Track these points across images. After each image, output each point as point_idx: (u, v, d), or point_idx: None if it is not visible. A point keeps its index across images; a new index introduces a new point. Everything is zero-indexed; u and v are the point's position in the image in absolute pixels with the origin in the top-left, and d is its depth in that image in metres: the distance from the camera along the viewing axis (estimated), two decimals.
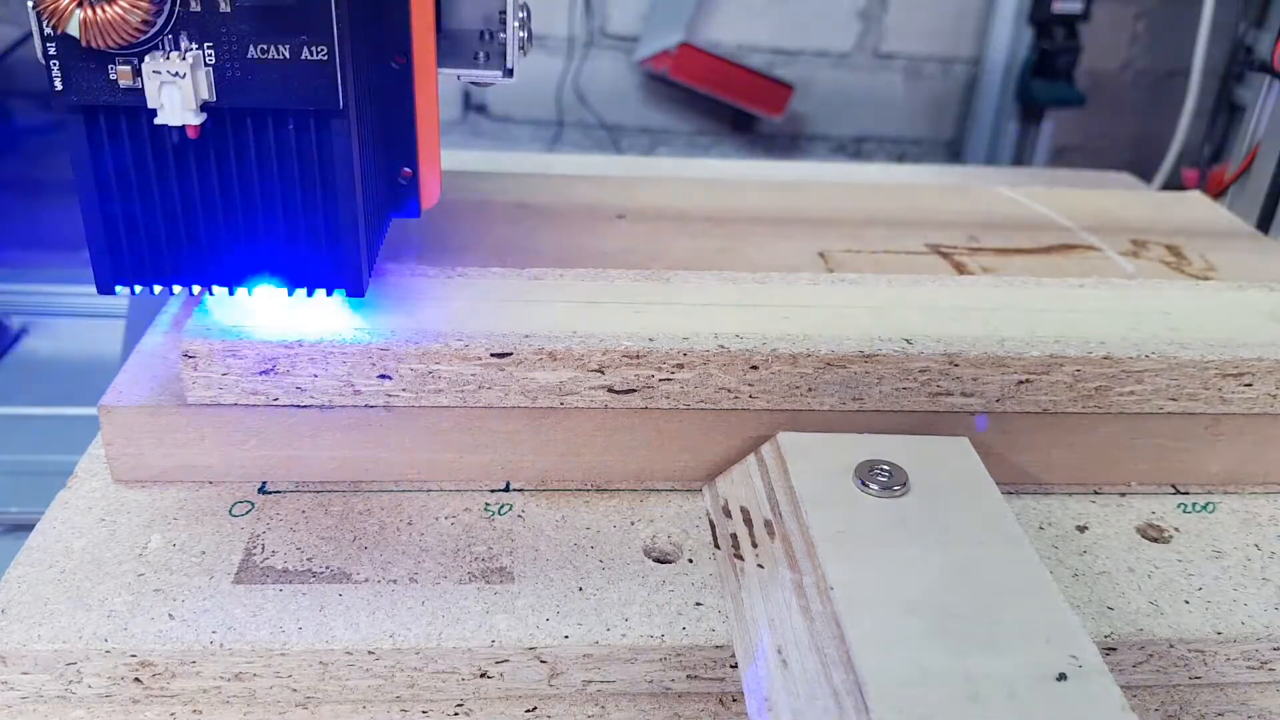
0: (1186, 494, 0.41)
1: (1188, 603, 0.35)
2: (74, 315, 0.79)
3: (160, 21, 0.31)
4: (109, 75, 0.31)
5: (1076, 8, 1.19)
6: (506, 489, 0.39)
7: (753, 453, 0.39)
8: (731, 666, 0.33)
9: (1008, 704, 0.26)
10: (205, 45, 0.31)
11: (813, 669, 0.29)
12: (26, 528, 0.36)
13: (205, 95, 0.31)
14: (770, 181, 0.64)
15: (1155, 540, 0.38)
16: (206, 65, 0.31)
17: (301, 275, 0.35)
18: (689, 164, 0.78)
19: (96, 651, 0.31)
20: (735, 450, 0.39)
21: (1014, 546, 0.33)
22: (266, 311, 0.37)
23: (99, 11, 0.30)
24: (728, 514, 0.37)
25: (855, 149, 1.38)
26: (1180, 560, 0.37)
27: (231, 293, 0.35)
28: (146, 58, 0.31)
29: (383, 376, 0.36)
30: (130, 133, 0.33)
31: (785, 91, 1.33)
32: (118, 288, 0.35)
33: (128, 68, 0.31)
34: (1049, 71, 1.21)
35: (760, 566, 0.34)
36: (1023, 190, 0.64)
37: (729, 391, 0.37)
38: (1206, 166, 1.18)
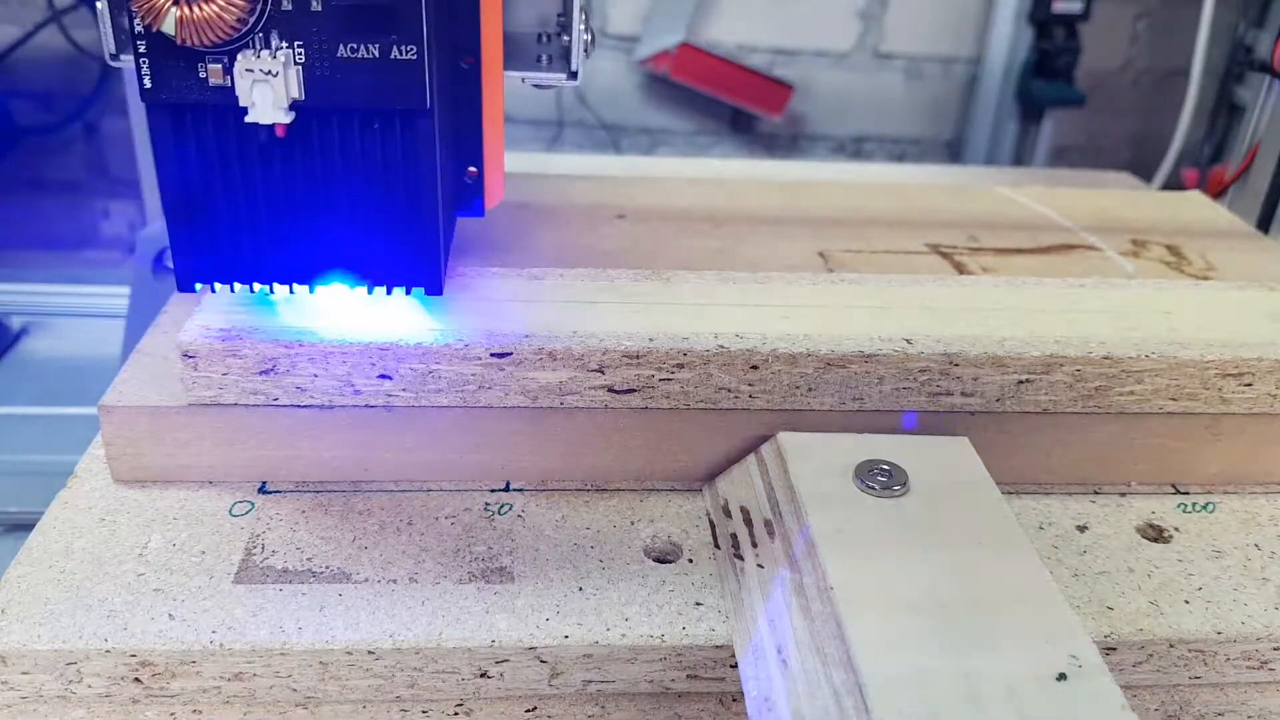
0: (1186, 494, 0.41)
1: (1188, 603, 0.35)
2: (74, 315, 0.79)
3: (253, 20, 0.31)
4: (198, 74, 0.31)
5: (1076, 8, 1.19)
6: (506, 489, 0.39)
7: (753, 453, 0.39)
8: (731, 666, 0.33)
9: (1008, 704, 0.26)
10: (295, 44, 0.31)
11: (813, 669, 0.29)
12: (26, 528, 0.36)
13: (295, 94, 0.31)
14: (770, 181, 0.64)
15: (1155, 540, 0.38)
16: (296, 64, 0.31)
17: (381, 274, 0.35)
18: (689, 164, 0.78)
19: (96, 651, 0.31)
20: (735, 450, 0.39)
21: (1014, 546, 0.33)
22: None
23: (195, 9, 0.30)
24: (728, 514, 0.37)
25: (855, 149, 1.38)
26: (1180, 560, 0.37)
27: (311, 291, 0.36)
28: (239, 56, 0.31)
29: (383, 376, 0.36)
30: (217, 131, 0.33)
31: (785, 91, 1.33)
32: (197, 285, 0.35)
33: (218, 66, 0.31)
34: (1049, 71, 1.21)
35: (760, 566, 0.34)
36: (1023, 190, 0.64)
37: (729, 391, 0.37)
38: (1206, 166, 1.18)
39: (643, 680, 0.33)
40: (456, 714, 0.32)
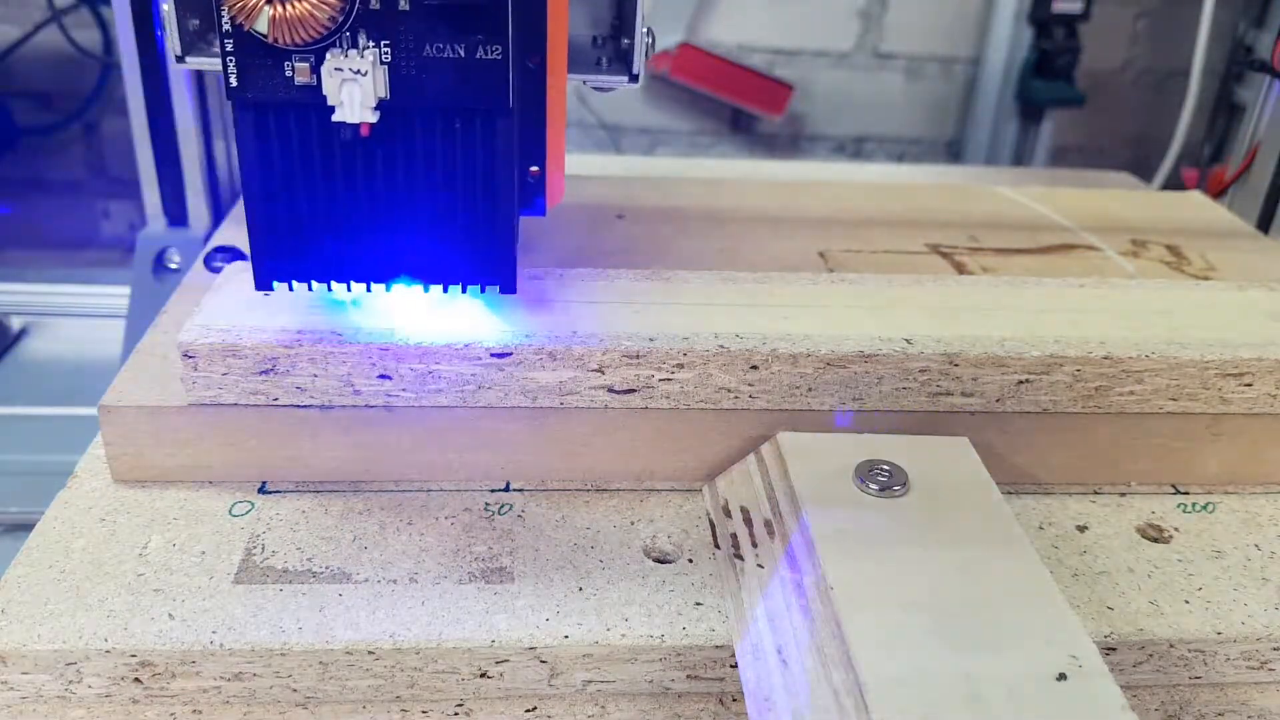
0: (1186, 494, 0.41)
1: (1188, 603, 0.35)
2: (74, 315, 0.79)
3: (342, 19, 0.31)
4: (285, 72, 0.32)
5: (1076, 8, 1.19)
6: (506, 489, 0.39)
7: (753, 453, 0.39)
8: (731, 666, 0.33)
9: (1008, 704, 0.26)
10: (382, 43, 0.31)
11: (813, 669, 0.29)
12: (26, 528, 0.36)
13: (381, 93, 0.32)
14: (770, 181, 0.64)
15: (1155, 540, 0.38)
16: (382, 64, 0.31)
17: (456, 272, 0.35)
18: (689, 164, 0.78)
19: (96, 651, 0.31)
20: (735, 450, 0.39)
21: (1014, 546, 0.33)
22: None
23: (288, 7, 0.30)
24: (728, 514, 0.37)
25: (855, 149, 1.38)
26: (1180, 560, 0.37)
27: (387, 289, 0.36)
28: (328, 55, 0.31)
29: (383, 376, 0.36)
30: (300, 129, 0.33)
31: (785, 91, 1.33)
32: (275, 283, 0.35)
33: (305, 65, 0.31)
34: (1049, 71, 1.21)
35: (760, 566, 0.34)
36: (1023, 190, 0.64)
37: (729, 391, 0.37)
38: (1206, 166, 1.18)
39: (643, 680, 0.33)
40: (456, 714, 0.32)
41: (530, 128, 0.37)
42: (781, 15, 1.31)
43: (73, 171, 1.26)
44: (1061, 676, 0.27)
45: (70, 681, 0.31)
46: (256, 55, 0.31)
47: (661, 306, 0.40)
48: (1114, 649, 0.34)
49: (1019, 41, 1.24)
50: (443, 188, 0.34)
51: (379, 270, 0.35)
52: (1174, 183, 0.98)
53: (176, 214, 0.64)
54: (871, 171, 0.81)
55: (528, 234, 0.52)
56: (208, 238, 0.57)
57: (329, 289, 0.36)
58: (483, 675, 0.32)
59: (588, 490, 0.39)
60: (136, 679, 0.31)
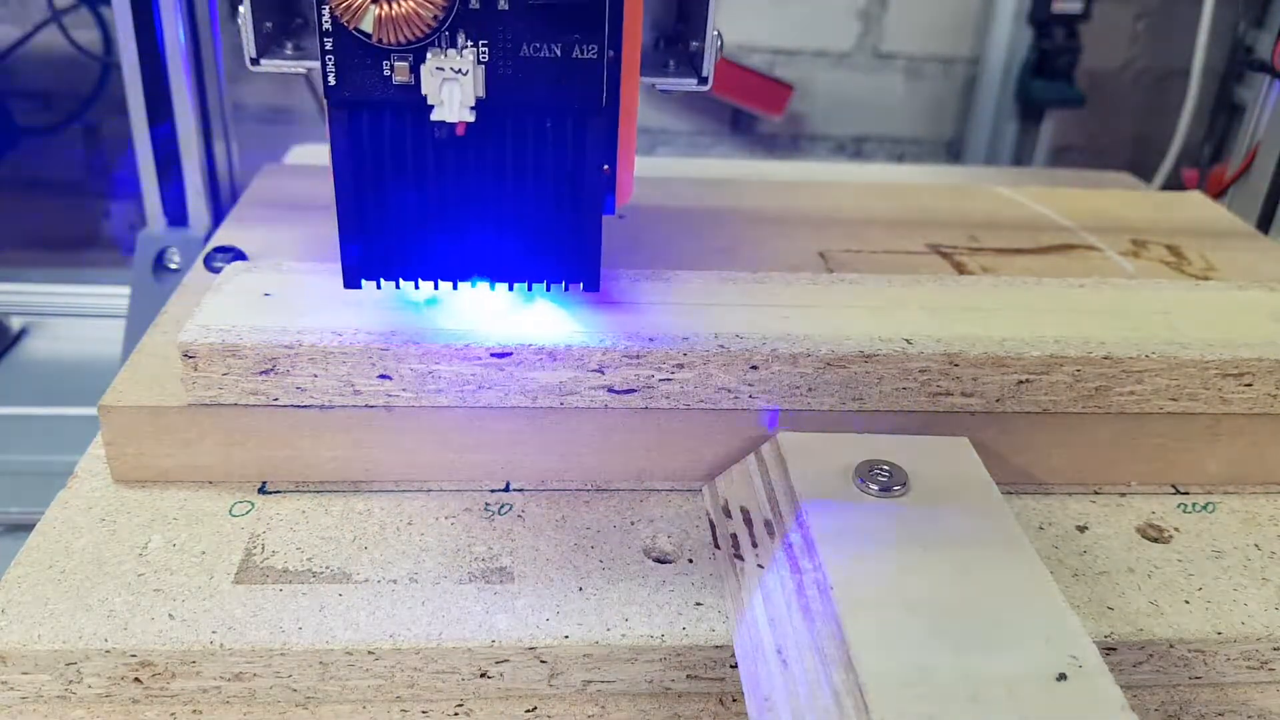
0: (1186, 494, 0.41)
1: (1188, 603, 0.35)
2: (74, 315, 0.79)
3: (444, 18, 0.31)
4: (383, 71, 0.32)
5: (1076, 8, 1.18)
6: (506, 489, 0.39)
7: (753, 453, 0.39)
8: (731, 666, 0.33)
9: (1008, 704, 0.26)
10: (480, 42, 0.32)
11: (813, 669, 0.29)
12: (26, 528, 0.36)
13: (479, 92, 0.32)
14: (770, 181, 0.64)
15: (1155, 540, 0.38)
16: (480, 63, 0.32)
17: (543, 270, 0.36)
18: (689, 164, 0.78)
19: (96, 651, 0.31)
20: (735, 450, 0.39)
21: (1014, 546, 0.33)
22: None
23: (394, 6, 0.30)
24: (728, 514, 0.37)
25: (855, 149, 1.38)
26: (1180, 560, 0.37)
27: (473, 287, 0.36)
28: (429, 54, 0.31)
29: (383, 376, 0.36)
30: (394, 129, 0.33)
31: (785, 91, 1.33)
32: (363, 281, 0.36)
33: (404, 64, 0.32)
34: (1049, 71, 1.21)
35: (760, 566, 0.34)
36: (1023, 190, 0.64)
37: (729, 391, 0.37)
38: (1206, 166, 1.18)
39: (643, 680, 0.33)
40: (456, 714, 0.32)
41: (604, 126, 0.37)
42: (781, 15, 1.31)
43: (73, 171, 1.26)
44: (1061, 676, 0.27)
45: (70, 681, 0.31)
46: (355, 54, 0.32)
47: (661, 306, 0.40)
48: (1114, 649, 0.34)
49: (1019, 41, 1.24)
50: (533, 186, 0.34)
51: (465, 268, 0.36)
52: (1174, 183, 0.98)
53: (176, 214, 0.64)
54: (871, 171, 0.81)
55: None
56: (208, 238, 0.57)
57: (416, 287, 0.36)
58: (483, 675, 0.32)
59: (588, 490, 0.39)
60: (136, 679, 0.31)
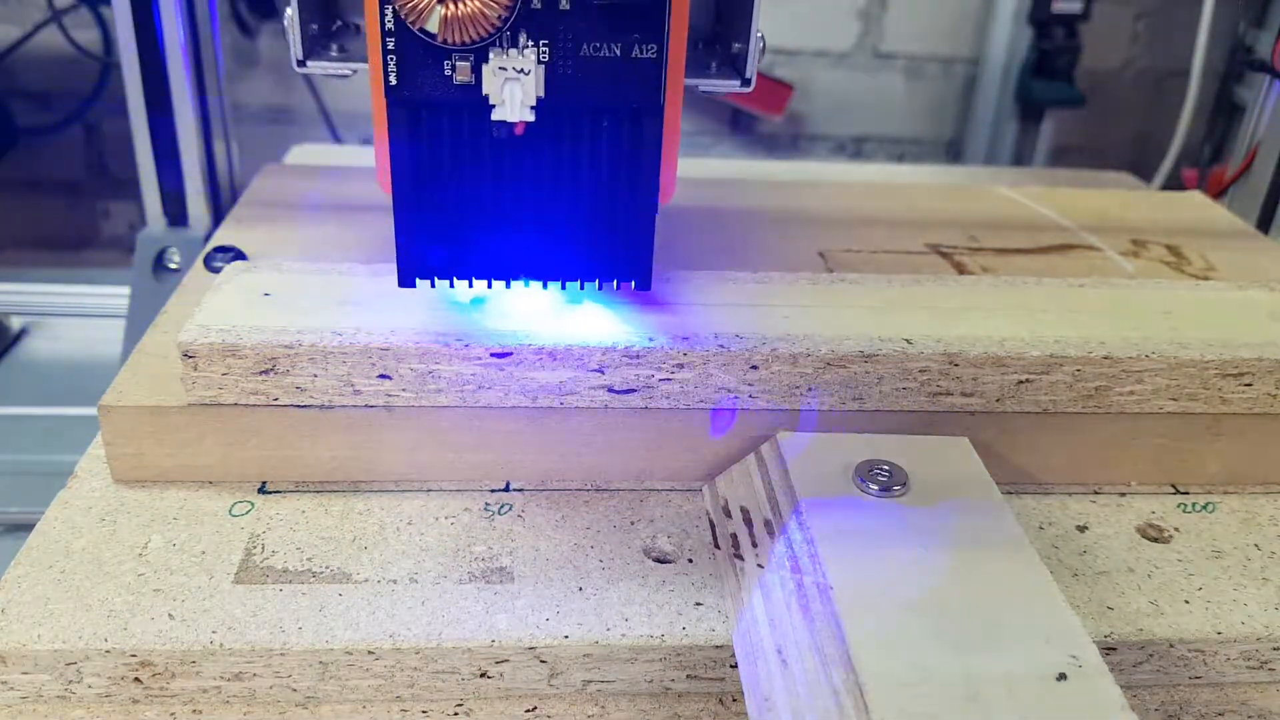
0: (1186, 494, 0.41)
1: (1188, 603, 0.35)
2: (74, 315, 0.79)
3: (508, 18, 0.31)
4: (444, 71, 0.32)
5: (1076, 8, 1.19)
6: (506, 489, 0.39)
7: (753, 453, 0.39)
8: (731, 666, 0.33)
9: (1008, 704, 0.26)
10: (541, 42, 0.32)
11: (813, 669, 0.29)
12: (26, 528, 0.36)
13: (540, 92, 0.32)
14: (770, 181, 0.64)
15: (1155, 540, 0.38)
16: (540, 62, 0.32)
17: (595, 269, 0.36)
18: (689, 164, 0.78)
19: (96, 651, 0.31)
20: (735, 450, 0.39)
21: (1014, 546, 0.33)
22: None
23: (460, 6, 0.31)
24: (728, 514, 0.37)
25: (855, 149, 1.38)
26: (1180, 560, 0.37)
27: (526, 285, 0.37)
28: (491, 54, 0.32)
29: (383, 376, 0.36)
30: (452, 128, 0.33)
31: (785, 91, 1.33)
32: (418, 280, 0.36)
33: (466, 64, 0.32)
34: (1049, 71, 1.21)
35: (760, 566, 0.34)
36: (1023, 190, 0.64)
37: (729, 391, 0.37)
38: (1206, 166, 1.18)
39: (642, 680, 0.33)
40: (456, 714, 0.32)
41: None
42: (781, 15, 1.31)
43: (73, 171, 1.26)
44: (1061, 676, 0.27)
45: (70, 681, 0.31)
46: (417, 54, 0.32)
47: (661, 306, 0.40)
48: (1114, 649, 0.34)
49: (1019, 41, 1.24)
50: (588, 185, 0.35)
51: (518, 267, 0.36)
52: (1174, 183, 0.98)
53: (176, 214, 0.64)
54: (871, 171, 0.81)
55: None
56: (208, 238, 0.57)
57: (470, 286, 0.36)
58: (483, 675, 0.32)
59: (588, 490, 0.39)
60: (136, 679, 0.31)
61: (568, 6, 0.32)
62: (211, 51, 0.62)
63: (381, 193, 0.35)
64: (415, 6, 0.31)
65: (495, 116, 0.32)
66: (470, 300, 0.39)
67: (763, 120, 1.38)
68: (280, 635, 0.31)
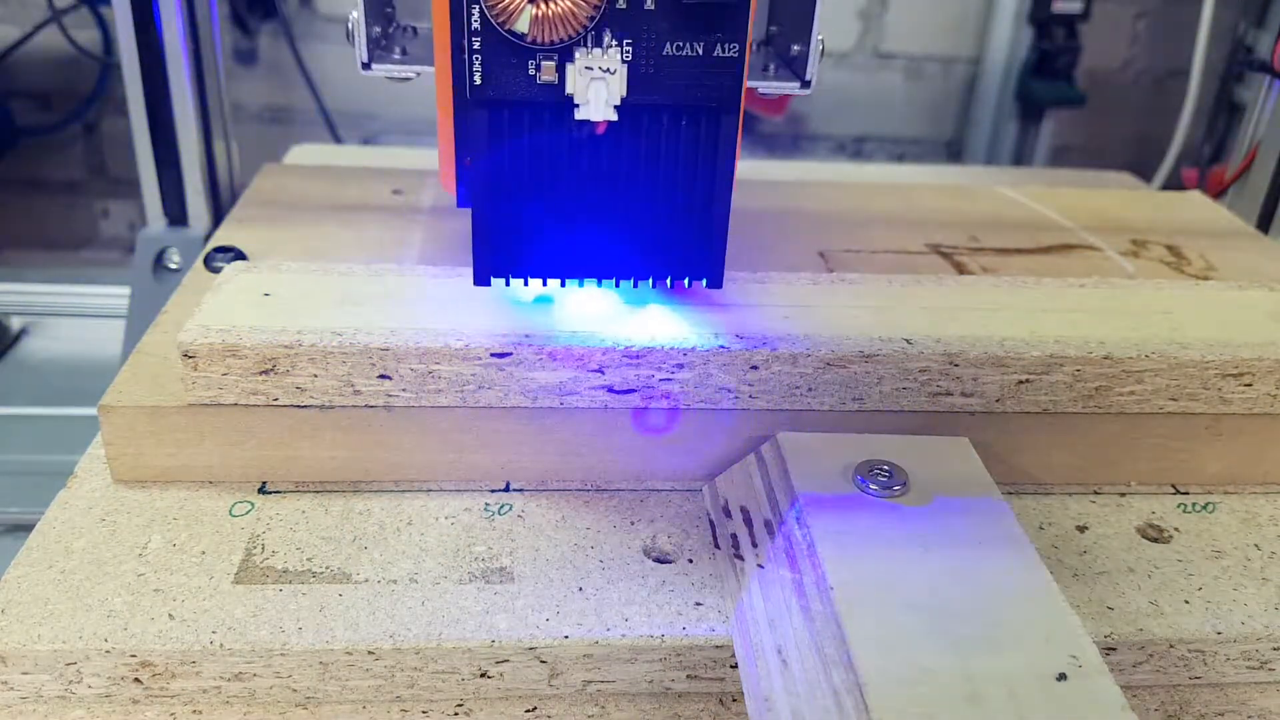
0: (1186, 494, 0.41)
1: (1188, 603, 0.35)
2: (74, 315, 0.79)
3: (596, 17, 0.32)
4: (528, 71, 0.32)
5: (1076, 8, 1.18)
6: (506, 489, 0.39)
7: (753, 453, 0.39)
8: (731, 666, 0.33)
9: (1008, 704, 0.26)
10: (624, 42, 0.32)
11: (813, 669, 0.29)
12: (26, 528, 0.36)
13: (623, 91, 0.32)
14: (770, 181, 0.64)
15: (1155, 540, 0.38)
16: (624, 62, 0.32)
17: (668, 267, 0.36)
18: None
19: (96, 651, 0.31)
20: (735, 450, 0.39)
21: (1014, 546, 0.33)
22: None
23: (551, 6, 0.31)
24: (728, 514, 0.37)
25: (855, 149, 1.38)
26: (1180, 560, 0.37)
27: (599, 284, 0.37)
28: (577, 53, 0.32)
29: (383, 376, 0.36)
30: (533, 127, 0.34)
31: None
32: (492, 279, 0.36)
33: (551, 63, 0.32)
34: (1049, 71, 1.21)
35: (760, 566, 0.34)
36: (1023, 190, 0.64)
37: (729, 391, 0.37)
38: (1206, 166, 1.18)
39: (643, 680, 0.33)
40: (456, 714, 0.32)
41: None
42: None
43: (73, 171, 1.26)
44: (1061, 676, 0.27)
45: (70, 682, 0.31)
46: (502, 54, 0.32)
47: (661, 306, 0.40)
48: (1114, 649, 0.34)
49: (1019, 41, 1.24)
50: (665, 183, 0.35)
51: (593, 266, 0.36)
52: (1174, 183, 0.97)
53: (176, 214, 0.64)
54: (871, 171, 0.81)
55: None
56: (208, 238, 0.57)
57: (544, 284, 0.37)
58: (483, 675, 0.32)
59: (588, 490, 0.39)
60: (136, 679, 0.31)
61: (652, 6, 0.32)
62: (211, 51, 0.62)
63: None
64: (505, 7, 0.31)
65: (579, 116, 0.32)
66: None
67: (763, 120, 1.38)
68: (280, 635, 0.31)
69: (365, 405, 0.37)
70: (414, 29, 0.42)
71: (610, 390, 0.37)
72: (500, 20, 0.31)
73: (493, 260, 0.36)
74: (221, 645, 0.31)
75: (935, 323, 0.40)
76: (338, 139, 1.20)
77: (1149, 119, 1.33)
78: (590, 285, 0.37)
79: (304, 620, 0.32)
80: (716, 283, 0.37)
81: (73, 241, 1.29)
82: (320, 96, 1.17)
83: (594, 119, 0.32)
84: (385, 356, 0.36)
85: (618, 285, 0.37)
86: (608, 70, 0.32)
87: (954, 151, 1.38)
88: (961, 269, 0.52)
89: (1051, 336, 0.39)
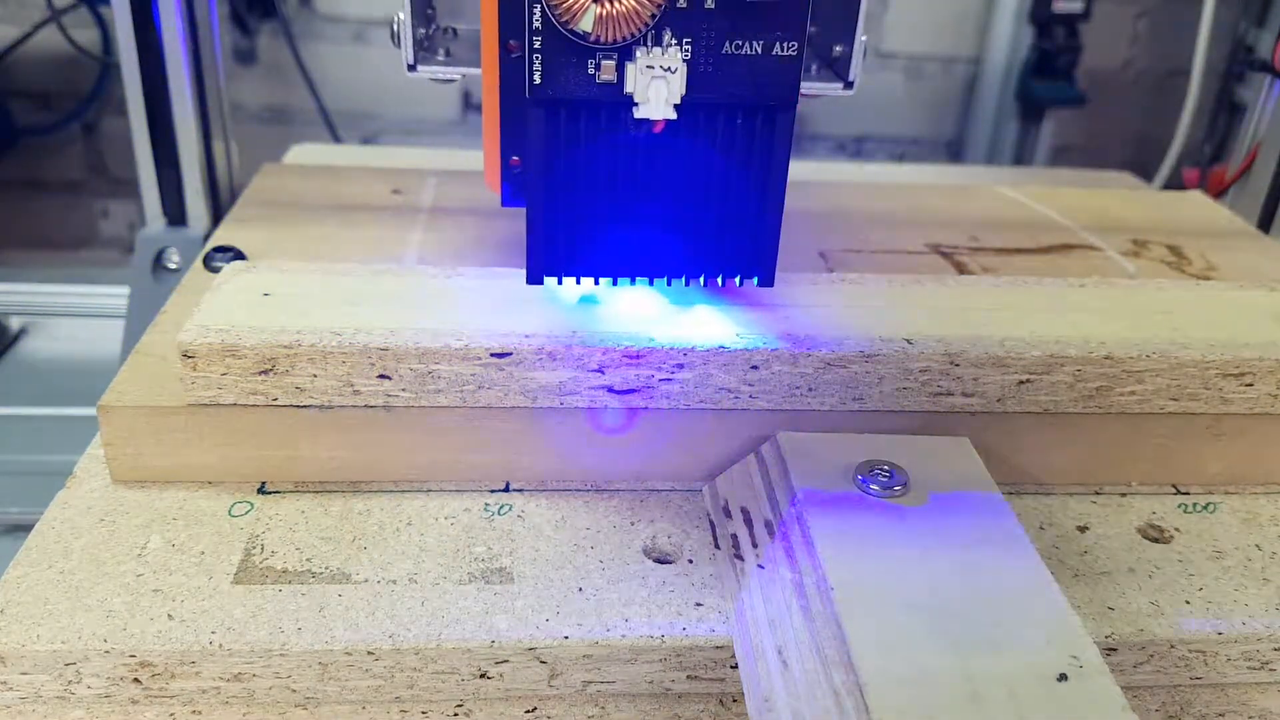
0: (1187, 494, 0.41)
1: (1188, 603, 0.35)
2: (74, 315, 0.79)
3: (659, 16, 0.32)
4: (588, 70, 0.33)
5: (1076, 7, 1.18)
6: (506, 489, 0.39)
7: (753, 453, 0.39)
8: (731, 666, 0.33)
9: (1008, 704, 0.26)
10: (684, 41, 0.32)
11: (813, 669, 0.29)
12: (26, 528, 0.36)
13: (682, 90, 0.32)
14: None
15: (1156, 540, 0.38)
16: (683, 61, 0.32)
17: (721, 265, 0.37)
18: None
19: (96, 652, 0.31)
20: (735, 450, 0.39)
21: (1014, 546, 0.33)
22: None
23: (615, 5, 0.31)
24: (728, 514, 0.37)
25: (855, 149, 1.38)
26: (1181, 560, 0.37)
27: (651, 283, 0.37)
28: (638, 52, 0.32)
29: (382, 376, 0.36)
30: (591, 126, 0.34)
31: None
32: (545, 278, 0.36)
33: (611, 62, 0.32)
34: (1049, 71, 1.21)
35: (760, 566, 0.34)
36: (1023, 190, 0.64)
37: (729, 391, 0.37)
38: (1206, 166, 1.18)
39: (643, 680, 0.33)
40: (456, 714, 0.32)
41: None
42: None
43: (73, 171, 1.26)
44: (1062, 677, 0.27)
45: (70, 682, 0.31)
46: (563, 53, 0.32)
47: (660, 305, 0.40)
48: (1114, 649, 0.34)
49: (1019, 41, 1.24)
50: (721, 182, 0.35)
51: (644, 265, 0.37)
52: (1174, 183, 0.97)
53: (176, 214, 0.64)
54: (871, 171, 0.81)
55: (520, 231, 0.52)
56: (207, 238, 0.57)
57: (596, 283, 0.37)
58: (483, 676, 0.32)
59: (588, 490, 0.39)
60: (136, 679, 0.31)
61: (712, 5, 0.32)
62: (211, 51, 0.62)
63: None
64: (569, 6, 0.31)
65: (638, 114, 0.32)
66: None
67: None
68: (280, 636, 0.31)
69: (365, 405, 0.37)
70: (454, 30, 0.43)
71: (610, 390, 0.37)
72: (564, 19, 0.31)
73: (547, 259, 0.36)
74: (221, 645, 0.31)
75: (936, 323, 0.40)
76: (337, 139, 1.20)
77: (1149, 119, 1.33)
78: (641, 284, 0.38)
79: (303, 620, 0.32)
80: (768, 280, 0.37)
81: (72, 241, 1.29)
82: (320, 96, 1.17)
83: (653, 117, 0.33)
84: (385, 356, 0.36)
85: (669, 284, 0.38)
86: (669, 69, 0.32)
87: (954, 151, 1.38)
88: (962, 269, 0.52)
89: (1052, 336, 0.39)
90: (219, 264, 0.48)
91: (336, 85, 1.20)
